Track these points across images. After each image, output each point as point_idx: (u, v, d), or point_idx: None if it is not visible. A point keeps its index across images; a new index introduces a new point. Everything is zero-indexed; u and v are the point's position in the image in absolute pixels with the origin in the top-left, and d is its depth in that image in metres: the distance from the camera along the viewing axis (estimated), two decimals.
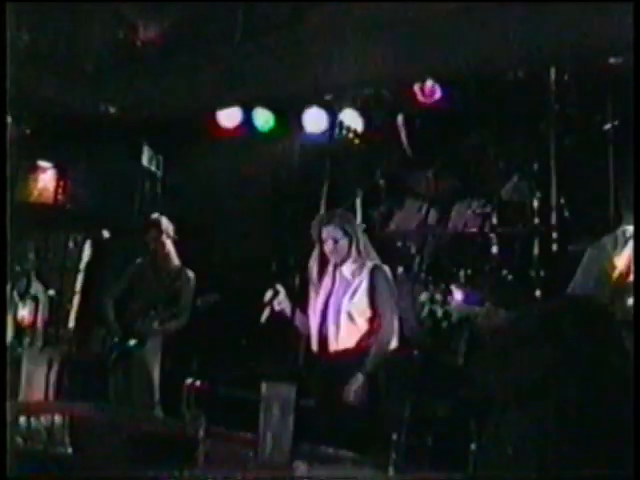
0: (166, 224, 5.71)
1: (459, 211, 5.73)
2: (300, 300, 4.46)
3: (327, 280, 4.39)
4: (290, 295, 4.40)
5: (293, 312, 4.38)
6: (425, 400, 4.65)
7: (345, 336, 4.27)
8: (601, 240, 4.10)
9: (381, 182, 6.23)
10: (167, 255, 5.66)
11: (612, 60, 4.86)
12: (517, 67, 5.56)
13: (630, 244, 3.96)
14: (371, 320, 4.25)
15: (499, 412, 3.05)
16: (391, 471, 2.84)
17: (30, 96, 6.32)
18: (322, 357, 4.34)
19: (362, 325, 4.25)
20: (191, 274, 5.67)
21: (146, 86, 6.73)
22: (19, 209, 5.97)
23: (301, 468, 2.76)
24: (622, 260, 3.95)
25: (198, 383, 3.71)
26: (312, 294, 4.43)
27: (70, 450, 2.66)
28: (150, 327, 5.48)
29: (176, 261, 5.69)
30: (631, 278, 3.85)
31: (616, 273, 3.96)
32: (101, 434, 3.02)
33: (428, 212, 5.80)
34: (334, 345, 4.29)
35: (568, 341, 2.98)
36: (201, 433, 2.75)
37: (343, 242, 4.33)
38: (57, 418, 3.13)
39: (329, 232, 4.33)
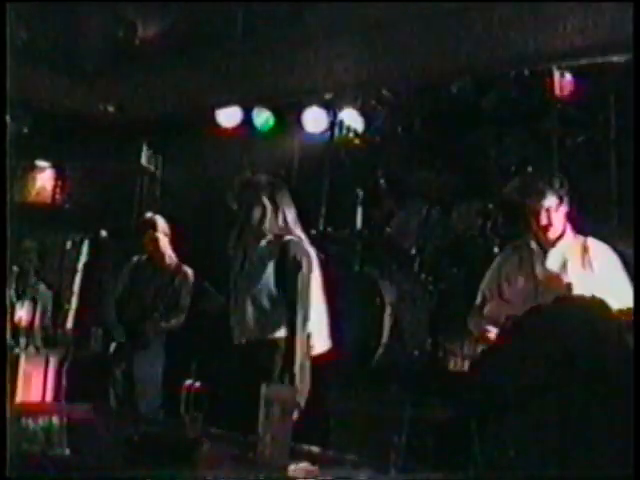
0: (161, 223, 5.71)
1: (460, 211, 5.72)
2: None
3: (240, 257, 3.94)
4: None
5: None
6: (425, 401, 4.64)
7: (252, 324, 3.83)
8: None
9: (381, 182, 6.23)
10: (163, 253, 5.66)
11: (614, 59, 4.85)
12: (517, 67, 5.56)
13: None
14: (279, 305, 3.76)
15: (500, 413, 3.05)
16: (391, 472, 2.83)
17: (29, 96, 6.31)
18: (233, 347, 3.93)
19: (270, 311, 3.78)
20: (189, 271, 5.66)
21: (146, 86, 6.72)
22: (17, 209, 5.96)
23: (301, 469, 2.74)
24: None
25: (197, 384, 3.70)
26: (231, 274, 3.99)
27: (68, 451, 2.64)
28: (152, 328, 5.48)
29: (173, 259, 5.68)
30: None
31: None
32: (100, 435, 3.01)
33: (428, 212, 5.79)
34: (243, 334, 3.86)
35: (568, 341, 2.98)
36: (200, 434, 2.74)
37: (257, 212, 3.89)
38: (55, 419, 3.12)
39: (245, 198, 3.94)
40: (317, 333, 3.82)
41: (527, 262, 4.14)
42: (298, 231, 3.96)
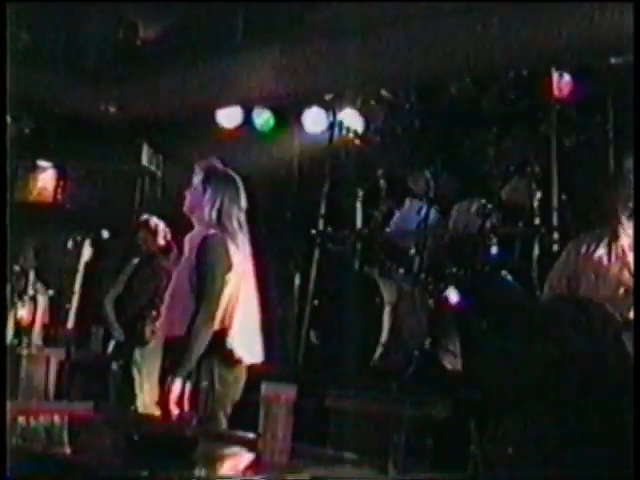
0: (156, 223, 5.72)
1: (459, 211, 5.72)
2: None
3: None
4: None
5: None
6: (425, 401, 4.65)
7: (164, 323, 3.64)
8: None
9: (381, 182, 6.23)
10: (160, 253, 5.67)
11: (613, 60, 4.85)
12: (517, 67, 5.56)
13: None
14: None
15: (499, 412, 3.05)
16: (391, 472, 2.83)
17: (31, 96, 6.32)
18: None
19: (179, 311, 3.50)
20: None
21: (147, 86, 6.73)
22: (18, 209, 5.97)
23: (301, 468, 2.75)
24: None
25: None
26: None
27: (69, 450, 2.65)
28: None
29: (170, 257, 5.69)
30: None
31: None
32: (101, 434, 3.01)
33: (428, 212, 5.78)
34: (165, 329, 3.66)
35: (567, 341, 2.98)
36: (200, 433, 2.75)
37: (189, 198, 3.59)
38: (56, 418, 3.12)
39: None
40: (246, 341, 3.53)
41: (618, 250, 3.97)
42: (232, 226, 3.57)
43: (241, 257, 3.55)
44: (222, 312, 3.43)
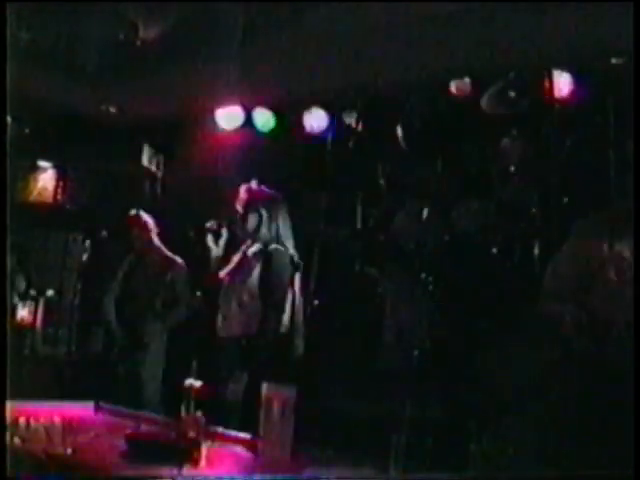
0: (146, 219, 5.71)
1: (459, 211, 5.73)
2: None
3: (239, 257, 4.33)
4: None
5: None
6: (425, 401, 4.65)
7: (235, 323, 4.15)
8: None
9: (381, 182, 6.23)
10: (154, 250, 5.66)
11: (614, 61, 4.85)
12: (517, 67, 5.56)
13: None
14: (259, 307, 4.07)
15: (499, 413, 3.05)
16: (391, 472, 2.84)
17: (30, 96, 6.31)
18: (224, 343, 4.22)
19: (252, 312, 4.09)
20: (181, 262, 5.65)
21: (146, 86, 6.73)
22: (18, 209, 5.96)
23: (301, 468, 2.75)
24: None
25: (198, 383, 3.70)
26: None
27: (69, 450, 2.65)
28: (151, 328, 5.48)
29: (164, 253, 5.68)
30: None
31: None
32: (101, 434, 3.01)
33: (428, 212, 5.79)
34: (226, 330, 4.18)
35: (568, 341, 2.98)
36: (201, 433, 2.75)
37: (252, 220, 4.27)
38: (56, 418, 3.12)
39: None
40: (295, 338, 4.16)
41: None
42: (288, 243, 4.27)
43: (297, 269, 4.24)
44: (286, 316, 4.07)
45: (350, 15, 5.70)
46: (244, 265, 4.26)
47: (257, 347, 3.98)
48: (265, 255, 4.15)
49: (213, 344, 4.37)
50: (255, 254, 4.22)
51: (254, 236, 4.27)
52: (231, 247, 4.42)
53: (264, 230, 4.25)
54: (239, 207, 4.37)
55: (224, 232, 4.39)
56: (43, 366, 6.36)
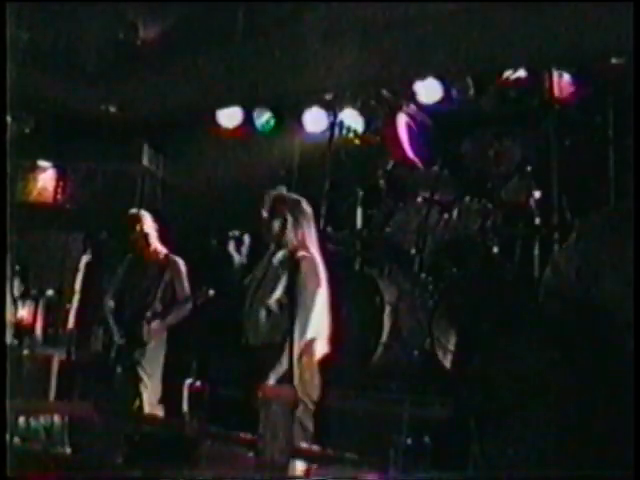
0: (146, 218, 5.70)
1: (460, 211, 5.72)
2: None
3: (260, 266, 4.33)
4: None
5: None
6: (425, 401, 4.65)
7: (263, 329, 4.17)
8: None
9: (381, 182, 6.23)
10: (152, 249, 5.65)
11: (614, 60, 4.85)
12: (518, 67, 5.56)
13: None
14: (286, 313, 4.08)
15: (500, 413, 3.05)
16: (391, 472, 2.84)
17: (30, 96, 6.31)
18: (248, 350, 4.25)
19: (279, 318, 4.11)
20: (179, 260, 5.64)
21: (146, 86, 6.73)
22: (18, 209, 5.97)
23: (301, 468, 2.75)
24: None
25: (198, 383, 3.71)
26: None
27: (69, 450, 2.65)
28: (150, 327, 5.47)
29: (162, 252, 5.66)
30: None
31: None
32: (101, 434, 3.01)
33: (428, 212, 5.77)
34: (254, 337, 4.20)
35: (569, 342, 2.98)
36: (201, 433, 2.75)
37: (278, 224, 4.24)
38: (56, 418, 3.12)
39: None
40: (320, 340, 4.13)
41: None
42: (313, 249, 4.23)
43: (323, 273, 4.18)
44: (314, 323, 4.05)
45: (350, 15, 5.71)
46: (270, 272, 4.24)
47: (284, 354, 3.92)
48: (292, 262, 4.11)
49: (242, 352, 4.35)
50: (281, 261, 4.20)
51: (279, 241, 4.24)
52: (254, 254, 4.37)
53: (290, 236, 4.21)
54: (264, 212, 4.33)
55: (246, 239, 4.35)
56: (42, 366, 6.35)
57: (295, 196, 4.46)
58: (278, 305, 4.13)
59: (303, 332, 3.99)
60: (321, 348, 4.15)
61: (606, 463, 2.63)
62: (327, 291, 4.24)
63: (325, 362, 4.20)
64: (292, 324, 3.90)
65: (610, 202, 4.84)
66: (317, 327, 4.10)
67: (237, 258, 4.37)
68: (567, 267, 3.74)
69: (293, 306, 3.96)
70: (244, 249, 4.37)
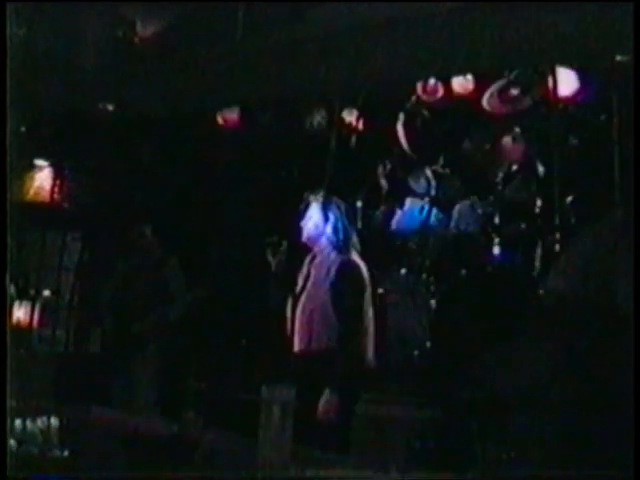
0: (143, 218, 5.71)
1: (461, 211, 5.72)
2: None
3: (303, 270, 4.23)
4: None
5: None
6: (425, 401, 4.63)
7: (312, 335, 4.10)
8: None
9: (381, 182, 6.23)
10: (148, 249, 5.66)
11: (618, 58, 4.83)
12: (517, 67, 5.55)
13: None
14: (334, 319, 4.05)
15: (500, 413, 3.03)
16: (391, 472, 2.81)
17: (28, 95, 6.28)
18: (298, 355, 4.19)
19: (328, 324, 4.05)
20: (174, 260, 5.66)
21: (146, 85, 6.71)
22: (15, 208, 5.93)
23: (300, 469, 2.73)
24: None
25: (198, 383, 3.69)
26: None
27: (67, 452, 2.63)
28: (149, 327, 5.46)
29: (158, 253, 5.68)
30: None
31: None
32: (99, 435, 3.00)
33: (429, 212, 5.78)
34: (303, 344, 4.13)
35: (570, 342, 2.96)
36: (201, 434, 2.73)
37: (312, 230, 4.17)
38: (54, 419, 3.10)
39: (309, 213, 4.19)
40: (366, 344, 4.15)
41: None
42: (354, 251, 4.19)
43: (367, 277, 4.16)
44: (362, 328, 4.05)
45: (350, 14, 5.70)
46: (314, 277, 4.15)
47: (334, 361, 3.94)
48: (339, 266, 4.05)
49: (288, 359, 4.30)
50: (327, 265, 4.11)
51: (318, 245, 4.17)
52: (292, 260, 4.28)
53: (333, 239, 4.14)
54: (304, 216, 4.28)
55: (284, 245, 4.29)
56: (40, 366, 6.33)
57: (338, 200, 4.37)
58: (324, 311, 4.04)
59: (351, 338, 3.98)
60: (371, 360, 4.14)
61: (606, 463, 2.62)
62: (371, 294, 4.21)
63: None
64: (342, 330, 3.90)
65: (614, 203, 4.82)
66: (366, 332, 4.08)
67: (275, 265, 4.31)
68: (571, 269, 3.79)
69: (342, 312, 3.94)
70: (282, 255, 4.26)
